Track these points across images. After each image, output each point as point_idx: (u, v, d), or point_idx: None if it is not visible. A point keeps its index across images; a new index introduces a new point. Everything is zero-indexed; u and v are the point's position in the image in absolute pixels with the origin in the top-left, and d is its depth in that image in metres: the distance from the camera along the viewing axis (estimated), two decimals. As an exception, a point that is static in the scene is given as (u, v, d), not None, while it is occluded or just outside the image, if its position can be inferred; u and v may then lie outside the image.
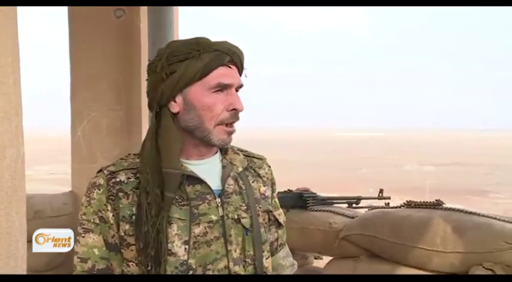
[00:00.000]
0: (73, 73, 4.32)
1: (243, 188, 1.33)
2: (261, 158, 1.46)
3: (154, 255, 1.19)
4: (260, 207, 1.35)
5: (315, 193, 3.42)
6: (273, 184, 1.45)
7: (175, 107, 1.26)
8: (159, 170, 1.22)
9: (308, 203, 3.30)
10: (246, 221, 1.30)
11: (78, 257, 1.26)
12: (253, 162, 1.42)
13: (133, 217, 1.22)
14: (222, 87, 1.25)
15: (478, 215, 2.73)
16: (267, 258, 1.34)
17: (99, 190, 1.25)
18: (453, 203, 3.63)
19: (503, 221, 2.65)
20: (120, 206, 1.23)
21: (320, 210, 3.26)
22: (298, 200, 3.32)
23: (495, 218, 2.69)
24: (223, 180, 1.30)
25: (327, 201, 3.40)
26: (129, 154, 1.33)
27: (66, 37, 4.34)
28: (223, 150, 1.37)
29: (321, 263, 3.68)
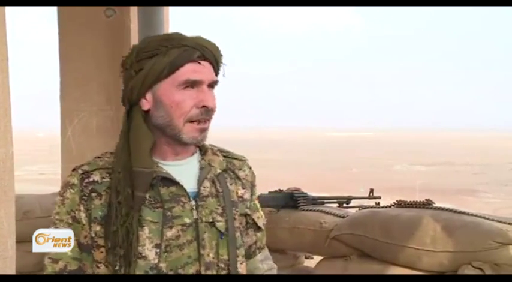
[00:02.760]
0: (63, 73, 4.30)
1: (220, 190, 1.30)
2: (241, 159, 1.42)
3: (124, 255, 1.17)
4: (237, 211, 1.32)
5: (305, 193, 3.42)
6: (252, 186, 1.42)
7: (145, 104, 1.24)
8: (130, 169, 1.20)
9: (299, 203, 3.30)
10: (221, 225, 1.27)
11: (49, 258, 1.25)
12: (232, 164, 1.39)
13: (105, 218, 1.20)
14: (191, 84, 1.22)
15: (468, 214, 2.74)
16: (241, 263, 1.31)
17: (72, 190, 1.23)
18: (444, 203, 3.65)
19: (492, 220, 2.66)
20: (92, 206, 1.22)
21: (310, 210, 3.26)
22: (289, 200, 3.32)
23: (484, 217, 2.71)
24: (200, 183, 1.28)
25: (318, 201, 3.40)
26: (105, 152, 1.31)
27: (56, 36, 4.31)
28: (203, 151, 1.35)
29: (311, 262, 3.68)
